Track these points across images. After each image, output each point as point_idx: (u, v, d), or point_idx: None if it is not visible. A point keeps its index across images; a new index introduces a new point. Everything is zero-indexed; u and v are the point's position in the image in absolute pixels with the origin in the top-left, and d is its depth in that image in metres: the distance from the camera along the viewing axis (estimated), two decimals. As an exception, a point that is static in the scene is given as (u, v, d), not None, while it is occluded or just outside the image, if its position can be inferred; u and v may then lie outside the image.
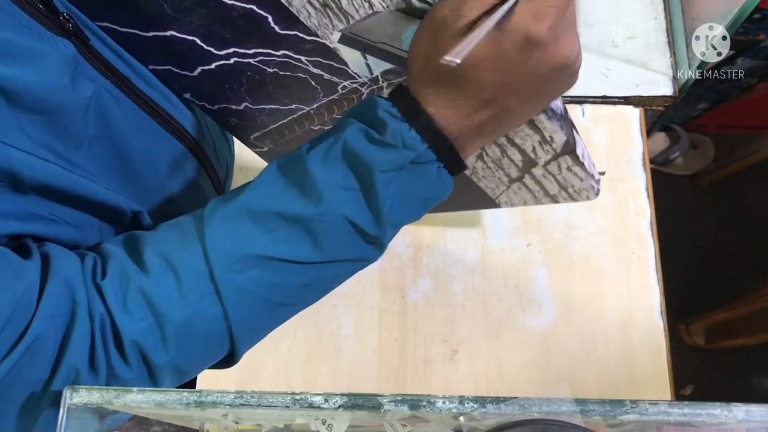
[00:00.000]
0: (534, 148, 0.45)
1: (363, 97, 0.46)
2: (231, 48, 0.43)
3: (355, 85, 0.44)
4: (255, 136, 0.55)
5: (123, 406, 0.38)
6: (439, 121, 0.36)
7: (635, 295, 0.70)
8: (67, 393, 0.38)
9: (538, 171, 0.49)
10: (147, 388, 0.37)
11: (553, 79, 0.35)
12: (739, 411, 0.39)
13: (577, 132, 0.42)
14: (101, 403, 0.38)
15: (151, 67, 0.47)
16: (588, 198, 0.51)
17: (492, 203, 0.58)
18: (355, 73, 0.43)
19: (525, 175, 0.50)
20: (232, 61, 0.44)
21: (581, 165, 0.46)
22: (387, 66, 0.41)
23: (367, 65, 0.42)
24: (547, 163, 0.47)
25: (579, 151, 0.44)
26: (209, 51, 0.43)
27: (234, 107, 0.51)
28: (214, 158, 0.60)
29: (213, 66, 0.45)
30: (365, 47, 0.40)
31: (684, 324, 1.45)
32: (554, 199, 0.53)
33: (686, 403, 0.39)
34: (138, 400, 0.38)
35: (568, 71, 0.35)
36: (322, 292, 0.43)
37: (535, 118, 0.41)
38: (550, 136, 0.43)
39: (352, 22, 0.38)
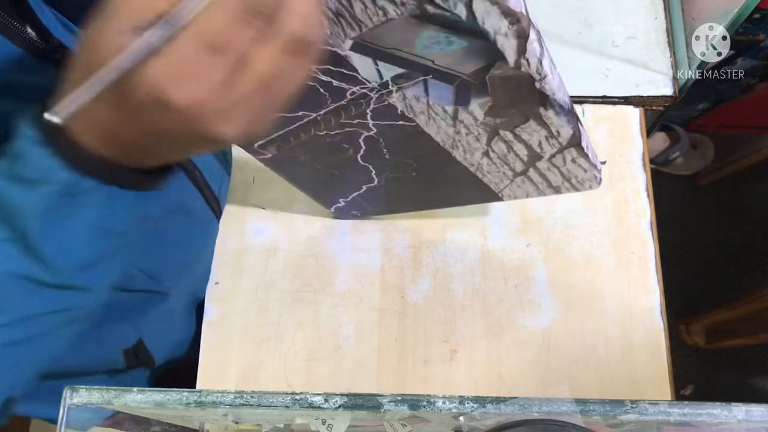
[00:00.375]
0: (540, 142, 0.45)
1: (371, 102, 0.46)
2: None
3: (364, 90, 0.44)
4: (259, 144, 0.55)
5: (123, 406, 0.38)
6: (87, 141, 0.29)
7: (635, 295, 0.70)
8: (67, 393, 0.38)
9: (542, 164, 0.49)
10: (147, 388, 0.37)
11: (197, 142, 0.29)
12: (739, 411, 0.39)
13: (581, 124, 0.42)
14: (101, 403, 0.38)
15: None
16: (591, 187, 0.51)
17: (495, 197, 0.58)
18: (364, 79, 0.43)
19: (530, 168, 0.50)
20: None
21: (586, 156, 0.46)
22: (398, 71, 0.41)
23: (378, 71, 0.42)
24: (553, 156, 0.47)
25: (584, 143, 0.44)
26: None
27: None
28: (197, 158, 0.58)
29: None
30: (377, 53, 0.40)
31: (684, 324, 1.45)
32: (557, 190, 0.53)
33: (686, 403, 0.39)
34: (138, 400, 0.38)
35: (216, 143, 0.29)
36: (49, 345, 0.39)
37: (543, 114, 0.41)
38: (557, 131, 0.43)
39: (364, 29, 0.37)
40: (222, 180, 0.66)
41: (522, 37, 0.33)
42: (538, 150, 0.46)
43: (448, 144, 0.50)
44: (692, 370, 1.45)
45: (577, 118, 0.42)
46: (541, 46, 0.35)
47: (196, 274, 0.63)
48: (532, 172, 0.51)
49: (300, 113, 0.49)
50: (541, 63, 0.35)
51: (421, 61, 0.39)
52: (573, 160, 0.47)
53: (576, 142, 0.44)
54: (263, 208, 0.75)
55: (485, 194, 0.58)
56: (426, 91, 0.43)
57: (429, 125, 0.47)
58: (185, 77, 0.25)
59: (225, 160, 0.68)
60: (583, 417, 0.39)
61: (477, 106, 0.43)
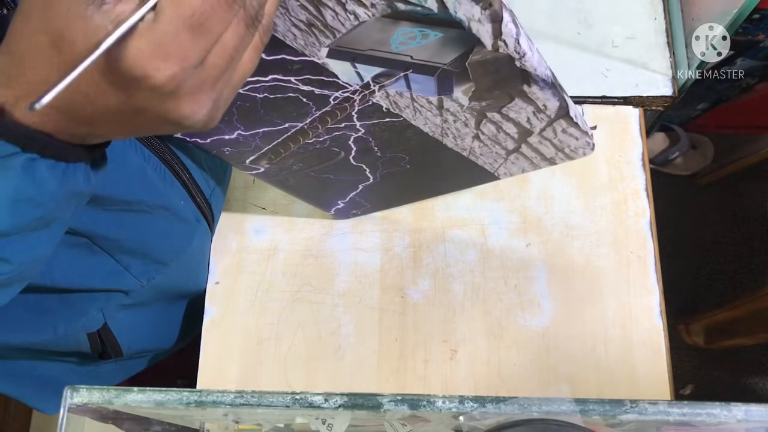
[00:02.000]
0: (528, 118, 0.46)
1: (355, 104, 0.46)
2: None
3: (346, 94, 0.44)
4: (250, 160, 0.55)
5: (124, 406, 0.38)
6: (15, 111, 0.29)
7: (635, 295, 0.70)
8: (67, 393, 0.39)
9: (534, 139, 0.49)
10: (147, 388, 0.37)
11: (161, 124, 0.30)
12: (738, 411, 0.39)
13: (566, 94, 0.43)
14: (101, 403, 0.38)
15: None
16: (584, 154, 0.51)
17: (491, 177, 0.58)
18: (345, 83, 0.43)
19: (522, 145, 0.51)
20: None
21: (576, 125, 0.46)
22: (377, 70, 0.41)
23: (357, 73, 0.42)
24: (543, 130, 0.47)
25: (572, 113, 0.44)
26: None
27: (227, 137, 0.50)
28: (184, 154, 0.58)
29: None
30: (354, 57, 0.40)
31: (684, 324, 1.45)
32: (552, 162, 0.53)
33: (686, 402, 0.39)
34: (138, 399, 0.38)
35: (180, 126, 0.30)
36: None
37: (527, 91, 0.41)
38: (544, 105, 0.43)
39: (338, 36, 0.38)
40: (216, 184, 0.65)
41: (496, 21, 0.34)
42: (528, 126, 0.47)
43: (438, 133, 0.50)
44: (692, 370, 1.45)
45: (562, 89, 0.42)
46: (517, 26, 0.35)
47: (172, 273, 0.62)
48: (524, 148, 0.51)
49: (287, 125, 0.49)
50: (518, 42, 0.36)
51: (399, 58, 0.39)
52: (564, 131, 0.47)
53: (564, 113, 0.44)
54: (263, 208, 0.75)
55: (482, 176, 0.58)
56: (408, 85, 0.43)
57: (416, 118, 0.48)
58: (166, 56, 0.26)
59: (221, 164, 0.68)
60: (583, 417, 0.39)
61: (461, 93, 0.43)
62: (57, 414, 0.40)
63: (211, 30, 0.26)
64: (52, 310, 0.56)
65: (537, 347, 0.68)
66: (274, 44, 0.39)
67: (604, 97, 0.78)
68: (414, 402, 0.39)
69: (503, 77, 0.40)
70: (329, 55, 0.40)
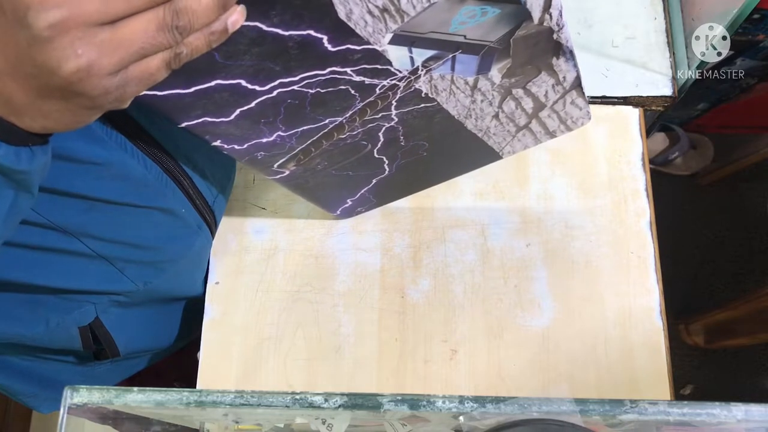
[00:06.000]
0: (547, 92, 0.46)
1: (398, 92, 0.45)
2: (277, 80, 0.41)
3: (393, 82, 0.44)
4: (279, 163, 0.53)
5: (123, 406, 0.38)
6: None
7: (635, 295, 0.70)
8: (67, 393, 0.39)
9: (544, 113, 0.50)
10: (147, 388, 0.37)
11: (45, 83, 0.28)
12: (738, 411, 0.39)
13: (578, 65, 0.44)
14: (101, 403, 0.38)
15: (184, 124, 0.43)
16: (583, 124, 0.52)
17: (496, 157, 0.59)
18: (396, 70, 0.42)
19: (532, 120, 0.51)
20: (274, 93, 0.42)
21: (583, 95, 0.47)
22: (429, 53, 0.41)
23: (411, 58, 0.41)
24: (555, 102, 0.48)
25: (582, 83, 0.46)
26: (253, 89, 0.41)
27: (264, 140, 0.48)
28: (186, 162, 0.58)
29: (253, 104, 0.43)
30: (413, 41, 0.40)
31: (684, 324, 1.45)
32: (553, 135, 0.54)
33: (686, 402, 0.39)
34: (138, 399, 0.38)
35: (64, 86, 0.28)
36: None
37: (554, 63, 0.43)
38: (564, 77, 0.44)
39: (406, 19, 0.37)
40: (218, 191, 0.65)
41: None
42: (544, 100, 0.48)
43: (463, 115, 0.50)
44: (692, 370, 1.45)
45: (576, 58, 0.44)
46: None
47: (169, 277, 0.62)
48: (533, 123, 0.52)
49: (326, 121, 0.47)
50: (561, 14, 0.37)
51: (454, 39, 0.40)
52: (572, 102, 0.48)
53: (578, 83, 0.45)
54: (263, 208, 0.75)
55: (487, 157, 0.59)
56: (452, 67, 0.43)
57: (449, 101, 0.48)
58: None
59: (225, 172, 0.68)
60: (583, 417, 0.39)
61: (497, 71, 0.44)
62: (56, 414, 0.40)
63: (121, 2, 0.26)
64: (43, 302, 0.56)
65: (537, 347, 0.68)
66: (343, 33, 0.38)
67: (604, 97, 0.78)
68: (414, 402, 0.39)
69: (538, 51, 0.41)
70: (392, 41, 0.39)
